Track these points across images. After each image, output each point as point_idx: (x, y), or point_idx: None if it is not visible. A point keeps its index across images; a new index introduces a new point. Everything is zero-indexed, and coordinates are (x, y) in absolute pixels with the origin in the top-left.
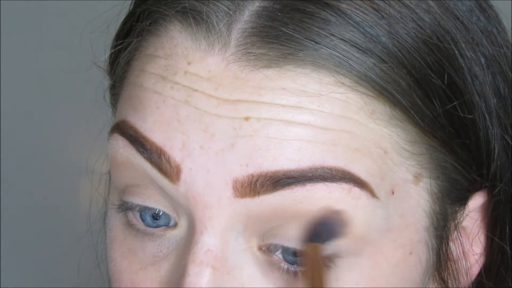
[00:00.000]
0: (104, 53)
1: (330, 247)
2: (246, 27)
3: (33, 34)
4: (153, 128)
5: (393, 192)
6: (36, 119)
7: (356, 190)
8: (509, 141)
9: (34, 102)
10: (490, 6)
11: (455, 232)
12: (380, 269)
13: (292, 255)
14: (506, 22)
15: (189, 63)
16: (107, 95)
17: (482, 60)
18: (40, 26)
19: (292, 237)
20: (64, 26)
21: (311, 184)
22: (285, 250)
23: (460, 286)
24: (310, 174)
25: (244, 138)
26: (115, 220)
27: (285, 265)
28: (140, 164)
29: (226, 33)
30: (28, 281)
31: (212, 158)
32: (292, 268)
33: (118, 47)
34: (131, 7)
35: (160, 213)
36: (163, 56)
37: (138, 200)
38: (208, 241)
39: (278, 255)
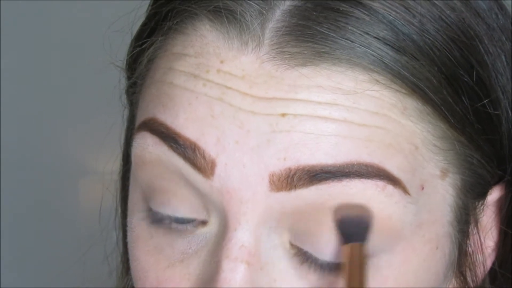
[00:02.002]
0: (115, 52)
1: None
2: (279, 26)
3: (34, 34)
4: (185, 124)
5: (423, 188)
6: (37, 119)
7: (389, 188)
8: None
9: (35, 102)
10: (503, 5)
11: (474, 226)
12: (410, 264)
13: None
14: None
15: (222, 62)
16: (114, 95)
17: (503, 56)
18: (40, 25)
19: (322, 247)
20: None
21: (348, 180)
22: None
23: (478, 279)
24: (347, 170)
25: (281, 134)
26: (139, 219)
27: (318, 261)
28: (171, 161)
29: (260, 32)
30: (28, 281)
31: (248, 153)
32: (325, 263)
33: (141, 47)
34: (151, 7)
35: (190, 219)
36: (193, 55)
37: (167, 210)
38: (242, 237)
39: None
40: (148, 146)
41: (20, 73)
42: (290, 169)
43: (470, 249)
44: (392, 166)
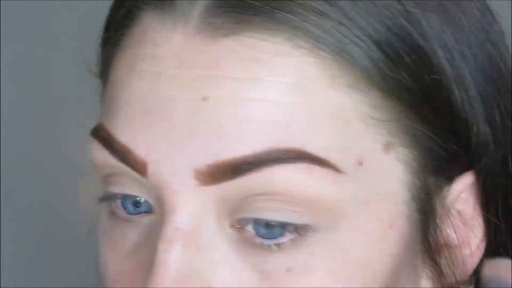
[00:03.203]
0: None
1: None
2: (208, 2)
3: (34, 34)
4: (122, 128)
5: (361, 163)
6: (36, 119)
7: (316, 169)
8: (491, 113)
9: (34, 102)
10: None
11: (448, 213)
12: (358, 243)
13: (264, 227)
14: (506, 22)
15: (156, 45)
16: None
17: (453, 28)
18: (40, 25)
19: (262, 208)
20: (64, 25)
21: (268, 168)
22: (257, 223)
23: (455, 274)
24: (266, 158)
25: (201, 123)
26: (103, 215)
27: (258, 240)
28: (115, 164)
29: (188, 8)
30: (28, 281)
31: (175, 147)
32: (266, 242)
33: (102, 42)
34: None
35: (142, 200)
36: (134, 45)
37: (118, 188)
38: (177, 220)
39: (250, 230)
40: (93, 151)
41: (20, 73)
42: (210, 166)
43: (444, 238)
44: (315, 146)
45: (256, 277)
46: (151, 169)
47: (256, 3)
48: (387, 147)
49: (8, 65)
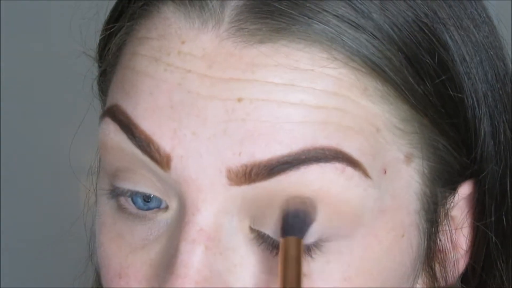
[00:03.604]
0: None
1: (316, 233)
2: (239, 4)
3: (34, 34)
4: (144, 115)
5: (385, 172)
6: (36, 119)
7: (349, 170)
8: (496, 128)
9: (34, 102)
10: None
11: (445, 220)
12: (372, 252)
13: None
14: (506, 22)
15: (183, 42)
16: (95, 84)
17: (469, 45)
18: (40, 25)
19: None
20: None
21: (305, 166)
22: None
23: (447, 277)
24: (304, 157)
25: (236, 122)
26: (105, 206)
27: (276, 243)
28: (131, 149)
29: (219, 10)
30: (28, 281)
31: (204, 144)
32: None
33: (109, 32)
34: None
35: (152, 196)
36: (156, 37)
37: (128, 185)
38: (201, 221)
39: (269, 233)
40: (110, 133)
41: (20, 73)
42: (246, 166)
43: (440, 244)
44: (351, 148)
45: (273, 281)
46: (175, 164)
47: (293, 12)
48: (408, 158)
49: (8, 64)
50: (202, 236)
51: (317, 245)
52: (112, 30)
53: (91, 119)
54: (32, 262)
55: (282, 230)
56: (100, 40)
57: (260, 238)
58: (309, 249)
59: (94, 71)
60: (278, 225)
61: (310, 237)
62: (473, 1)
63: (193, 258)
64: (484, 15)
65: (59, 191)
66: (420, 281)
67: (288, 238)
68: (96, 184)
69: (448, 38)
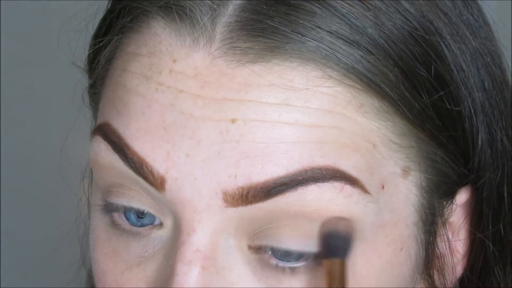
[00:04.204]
0: (84, 53)
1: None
2: (231, 21)
3: (34, 35)
4: (136, 136)
5: (383, 187)
6: (36, 119)
7: (347, 188)
8: (494, 136)
9: (34, 102)
10: (473, 0)
11: (443, 227)
12: (372, 266)
13: (282, 254)
14: (506, 22)
15: (174, 61)
16: (86, 96)
17: (466, 52)
18: (39, 25)
19: (282, 238)
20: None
21: (303, 187)
22: (275, 250)
23: (446, 283)
24: (301, 177)
25: (230, 144)
26: (98, 221)
27: (274, 261)
28: (124, 169)
29: (210, 27)
30: (28, 281)
31: (199, 166)
32: (281, 264)
33: (98, 46)
34: (109, 4)
35: (145, 211)
36: (147, 54)
37: (122, 200)
38: (197, 241)
39: (268, 251)
40: (101, 151)
41: (20, 72)
42: (242, 188)
43: (438, 251)
44: (348, 165)
45: None
46: (170, 185)
47: (286, 29)
48: (406, 172)
49: (7, 64)
50: (198, 257)
51: (320, 258)
52: (101, 43)
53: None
54: (32, 262)
55: (326, 251)
56: (89, 53)
57: (260, 257)
58: (314, 260)
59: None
60: (320, 245)
61: (317, 248)
62: (469, 6)
63: (190, 280)
64: (481, 20)
65: (59, 191)
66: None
67: (333, 260)
68: (88, 190)
69: (444, 48)
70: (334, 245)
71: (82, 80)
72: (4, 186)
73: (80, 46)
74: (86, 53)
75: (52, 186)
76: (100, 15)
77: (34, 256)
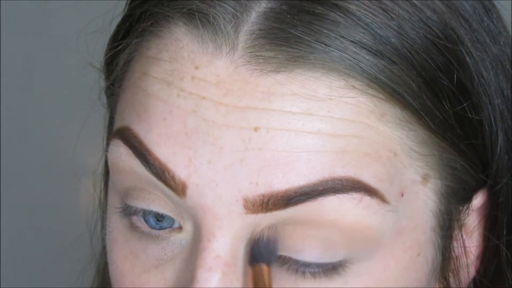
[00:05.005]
0: (100, 54)
1: (340, 255)
2: (254, 29)
3: (34, 35)
4: (157, 141)
5: (402, 195)
6: (36, 119)
7: (366, 199)
8: (511, 142)
9: (34, 102)
10: (493, 6)
11: (458, 230)
12: (390, 272)
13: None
14: (506, 22)
15: (196, 67)
16: (103, 96)
17: (487, 59)
18: (39, 25)
19: (299, 247)
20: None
21: (322, 197)
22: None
23: (461, 284)
24: (321, 188)
25: (253, 152)
26: (116, 223)
27: (293, 266)
28: (145, 174)
29: (233, 35)
30: (28, 281)
31: (221, 173)
32: (301, 269)
33: (117, 48)
34: (126, 8)
35: (164, 215)
36: (168, 60)
37: (142, 204)
38: (217, 248)
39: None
40: (121, 155)
41: (20, 73)
42: (263, 196)
43: (454, 254)
44: (368, 176)
45: None
46: (191, 191)
47: (309, 39)
48: (425, 179)
49: (8, 64)
50: (219, 263)
51: (342, 265)
52: (119, 46)
53: (95, 121)
54: (32, 262)
55: (250, 257)
56: (106, 55)
57: (280, 262)
58: (334, 268)
59: (94, 74)
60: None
61: (335, 258)
62: (489, 12)
63: (210, 286)
64: (500, 25)
65: (59, 192)
66: None
67: (258, 266)
68: (100, 191)
69: (466, 56)
70: (256, 252)
71: (85, 81)
72: (4, 186)
73: (82, 46)
74: (91, 54)
75: (52, 186)
76: (108, 16)
77: (34, 256)
